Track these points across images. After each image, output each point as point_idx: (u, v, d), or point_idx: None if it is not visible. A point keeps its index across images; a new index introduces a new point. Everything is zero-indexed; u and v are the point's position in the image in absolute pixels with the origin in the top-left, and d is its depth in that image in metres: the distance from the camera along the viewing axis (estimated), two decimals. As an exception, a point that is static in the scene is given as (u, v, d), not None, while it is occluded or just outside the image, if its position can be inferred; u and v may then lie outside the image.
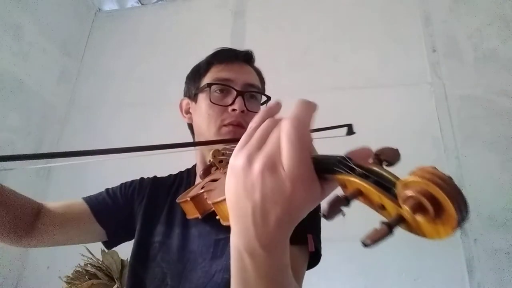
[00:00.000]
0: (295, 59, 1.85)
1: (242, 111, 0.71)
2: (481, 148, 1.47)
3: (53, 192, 1.88)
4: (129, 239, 0.80)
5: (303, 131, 0.31)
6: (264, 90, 0.84)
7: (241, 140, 0.35)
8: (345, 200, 0.28)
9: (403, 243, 1.36)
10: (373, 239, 0.26)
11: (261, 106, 0.81)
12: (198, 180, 0.78)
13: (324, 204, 0.28)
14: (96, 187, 0.85)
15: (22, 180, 1.76)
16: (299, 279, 0.57)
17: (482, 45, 1.64)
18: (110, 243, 0.81)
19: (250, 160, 0.32)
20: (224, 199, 0.46)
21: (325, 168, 0.31)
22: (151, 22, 2.24)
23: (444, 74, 1.64)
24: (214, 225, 0.63)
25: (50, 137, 1.97)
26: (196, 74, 0.81)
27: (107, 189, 0.83)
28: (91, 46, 2.27)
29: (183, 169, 0.89)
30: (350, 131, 0.57)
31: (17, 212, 0.68)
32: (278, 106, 0.38)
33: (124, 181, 0.86)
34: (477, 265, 1.31)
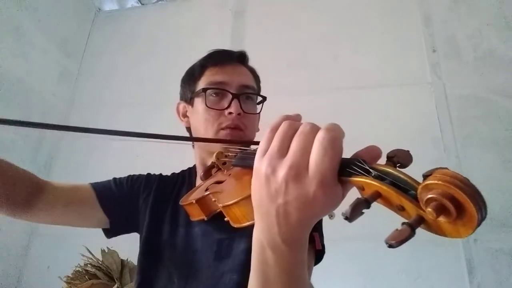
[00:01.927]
0: (295, 59, 1.85)
1: (239, 114, 0.72)
2: (481, 148, 1.47)
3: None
4: (129, 232, 0.80)
5: (339, 142, 0.32)
6: (259, 89, 0.83)
7: (261, 143, 0.36)
8: (366, 203, 0.29)
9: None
10: (398, 240, 0.26)
11: (257, 106, 0.81)
12: (198, 181, 0.78)
13: (346, 207, 0.29)
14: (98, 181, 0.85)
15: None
16: (309, 276, 0.58)
17: (482, 45, 1.64)
18: (110, 232, 0.80)
19: (273, 168, 0.33)
20: (235, 203, 0.46)
21: (341, 171, 0.32)
22: (151, 22, 2.24)
23: (444, 74, 1.63)
24: (217, 225, 0.64)
25: (50, 137, 1.97)
26: (190, 78, 0.80)
27: (114, 178, 0.83)
28: (91, 46, 2.27)
29: (185, 168, 0.89)
30: None
31: (13, 185, 0.67)
32: (297, 117, 0.39)
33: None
34: (477, 265, 1.31)
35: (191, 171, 0.86)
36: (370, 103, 1.65)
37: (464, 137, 1.50)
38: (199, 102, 0.76)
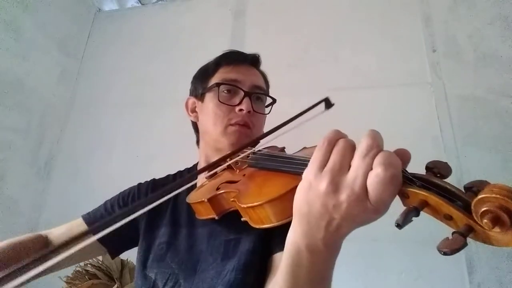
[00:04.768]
0: (295, 59, 1.85)
1: (249, 112, 0.73)
2: (481, 148, 1.47)
3: (53, 193, 1.88)
4: (134, 246, 0.81)
5: (398, 178, 0.32)
6: (268, 93, 0.85)
7: (316, 155, 0.37)
8: (416, 211, 0.31)
9: (403, 243, 1.36)
10: (453, 249, 0.28)
11: (266, 108, 0.83)
12: (202, 180, 0.78)
13: (397, 215, 0.31)
14: (97, 188, 0.85)
15: (22, 181, 1.76)
16: None
17: (482, 45, 1.64)
18: (114, 254, 0.81)
19: (336, 186, 0.34)
20: (259, 204, 0.47)
21: None
22: (151, 22, 2.24)
23: (444, 74, 1.63)
24: (225, 226, 0.65)
25: (50, 137, 1.97)
26: (204, 74, 0.82)
27: (105, 204, 0.83)
28: (91, 46, 2.27)
29: (182, 169, 0.89)
30: (329, 104, 0.59)
31: (27, 254, 0.69)
32: (345, 134, 0.39)
33: (125, 183, 0.86)
34: (477, 265, 1.31)
35: (190, 171, 0.86)
36: (370, 103, 1.65)
37: (464, 137, 1.50)
38: (210, 97, 0.77)
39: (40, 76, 1.94)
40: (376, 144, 0.34)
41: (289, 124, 0.52)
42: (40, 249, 0.72)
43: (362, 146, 0.34)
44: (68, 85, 2.13)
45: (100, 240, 0.76)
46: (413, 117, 1.58)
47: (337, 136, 0.37)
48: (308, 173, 0.36)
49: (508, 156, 1.43)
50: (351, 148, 0.36)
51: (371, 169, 0.32)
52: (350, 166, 0.34)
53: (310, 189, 0.36)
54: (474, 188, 0.29)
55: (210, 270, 0.64)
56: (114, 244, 0.79)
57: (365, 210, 0.33)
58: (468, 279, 1.30)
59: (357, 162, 0.34)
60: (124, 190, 0.85)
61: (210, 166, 0.60)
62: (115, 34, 2.27)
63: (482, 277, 1.29)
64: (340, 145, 0.36)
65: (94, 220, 0.78)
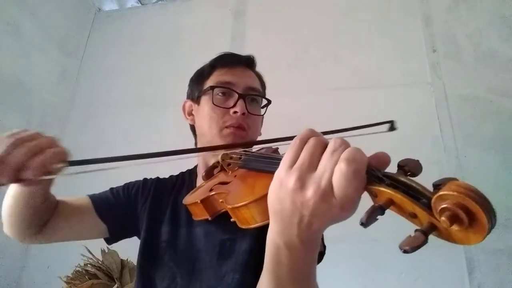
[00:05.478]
0: (295, 59, 1.85)
1: (243, 114, 0.73)
2: (481, 148, 1.47)
3: (53, 193, 1.88)
4: (129, 236, 0.82)
5: (361, 173, 0.32)
6: (264, 94, 0.85)
7: (288, 153, 0.37)
8: (381, 209, 0.31)
9: (403, 243, 1.36)
10: (413, 246, 0.28)
11: (261, 110, 0.83)
12: (200, 181, 0.79)
13: (362, 213, 0.31)
14: (97, 188, 0.85)
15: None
16: None
17: (482, 45, 1.64)
18: (110, 239, 0.82)
19: (302, 183, 0.34)
20: (244, 205, 0.47)
21: None
22: (151, 22, 2.24)
23: (444, 74, 1.63)
24: (220, 225, 0.66)
25: (50, 137, 1.97)
26: (199, 77, 0.83)
27: (111, 188, 0.85)
28: (91, 46, 2.27)
29: (184, 170, 0.89)
30: (392, 127, 0.60)
31: (46, 207, 0.71)
32: (320, 134, 0.39)
33: (126, 181, 0.87)
34: (477, 265, 1.31)
35: (191, 172, 0.87)
36: (370, 103, 1.65)
37: (464, 137, 1.50)
38: (205, 100, 0.78)
39: (40, 76, 1.94)
40: (345, 142, 0.34)
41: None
42: (50, 211, 0.74)
43: (330, 143, 0.35)
44: (68, 85, 2.13)
45: (102, 217, 0.77)
46: (413, 117, 1.58)
47: (310, 134, 0.38)
48: (280, 171, 0.37)
49: (508, 156, 1.43)
50: (322, 146, 0.36)
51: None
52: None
53: (281, 187, 0.36)
54: (441, 186, 0.29)
55: (207, 270, 0.65)
56: (115, 225, 0.79)
57: (331, 206, 0.33)
58: (468, 279, 1.30)
59: (325, 159, 0.34)
60: (130, 182, 0.86)
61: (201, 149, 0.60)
62: (115, 34, 2.27)
63: (482, 277, 1.29)
64: (311, 143, 0.36)
65: (100, 199, 0.80)
